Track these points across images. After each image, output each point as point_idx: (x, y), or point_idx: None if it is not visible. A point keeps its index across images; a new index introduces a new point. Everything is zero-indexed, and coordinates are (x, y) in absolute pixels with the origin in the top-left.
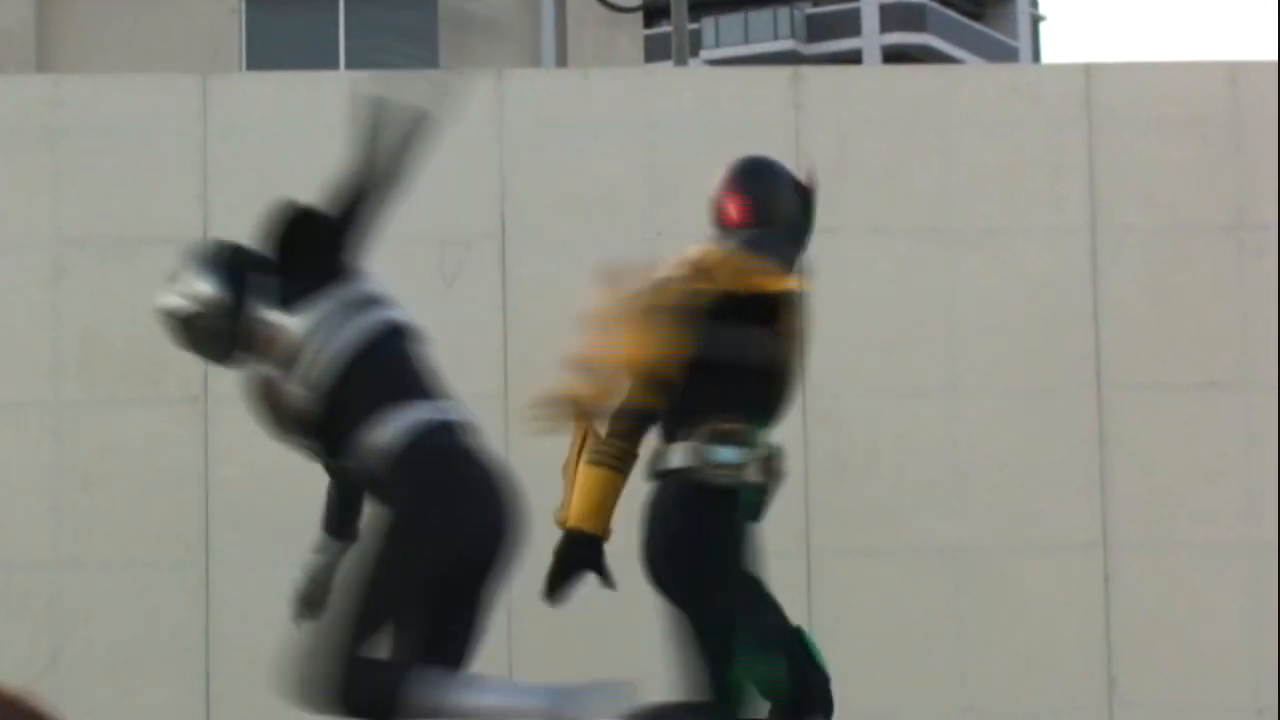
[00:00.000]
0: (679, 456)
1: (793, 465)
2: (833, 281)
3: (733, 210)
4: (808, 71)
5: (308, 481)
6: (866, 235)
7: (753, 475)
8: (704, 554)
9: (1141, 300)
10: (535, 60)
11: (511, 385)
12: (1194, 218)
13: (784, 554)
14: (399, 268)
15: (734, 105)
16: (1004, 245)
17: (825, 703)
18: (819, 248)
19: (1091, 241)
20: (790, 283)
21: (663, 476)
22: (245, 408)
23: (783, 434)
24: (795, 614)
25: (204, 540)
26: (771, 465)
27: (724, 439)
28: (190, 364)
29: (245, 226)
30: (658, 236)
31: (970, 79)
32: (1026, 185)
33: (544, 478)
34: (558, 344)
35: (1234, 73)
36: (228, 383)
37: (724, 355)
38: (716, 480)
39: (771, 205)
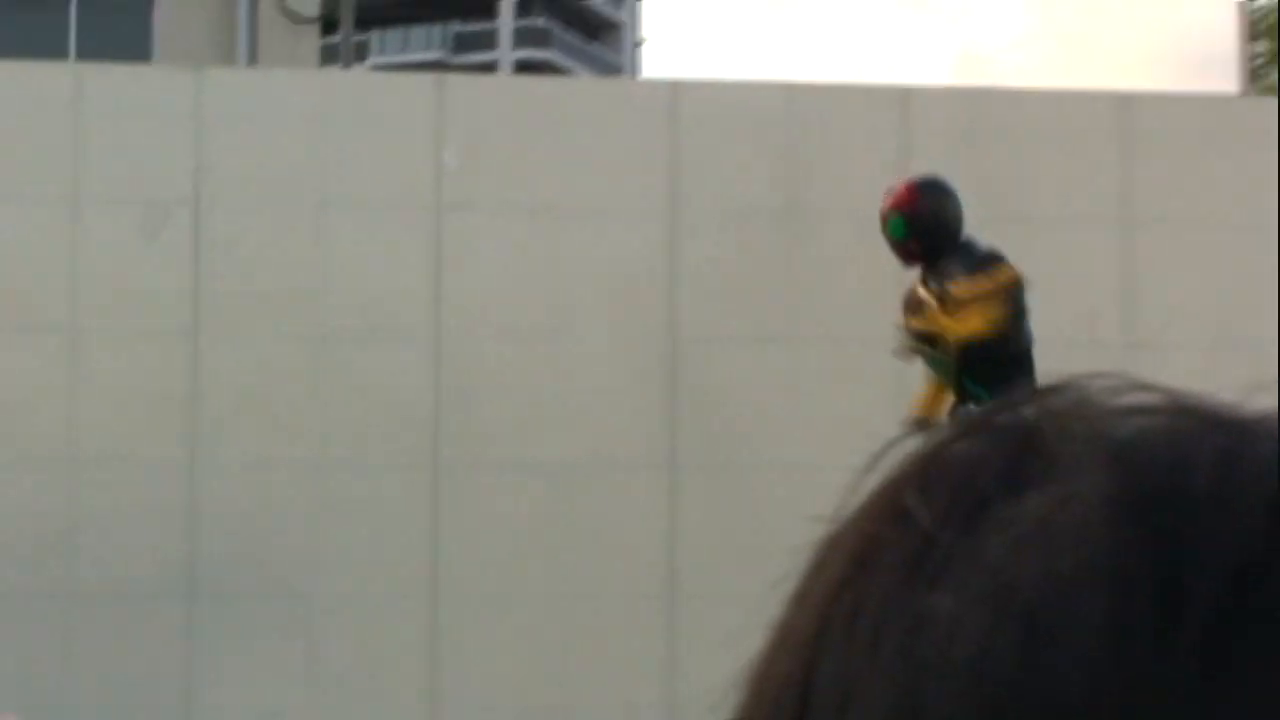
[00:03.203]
0: None
1: (424, 396)
2: (470, 250)
3: None
4: (450, 77)
5: None
6: (498, 212)
7: None
8: None
9: (713, 270)
10: (231, 59)
11: (201, 324)
12: (756, 205)
13: (414, 467)
14: (109, 226)
15: (389, 103)
16: (604, 223)
17: None
18: (458, 223)
19: (671, 223)
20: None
21: None
22: None
23: (416, 371)
24: (424, 518)
25: None
26: None
27: None
28: None
29: None
30: (323, 208)
31: (581, 89)
32: (621, 176)
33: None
34: (244, 293)
35: (790, 91)
36: None
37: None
38: None
39: None
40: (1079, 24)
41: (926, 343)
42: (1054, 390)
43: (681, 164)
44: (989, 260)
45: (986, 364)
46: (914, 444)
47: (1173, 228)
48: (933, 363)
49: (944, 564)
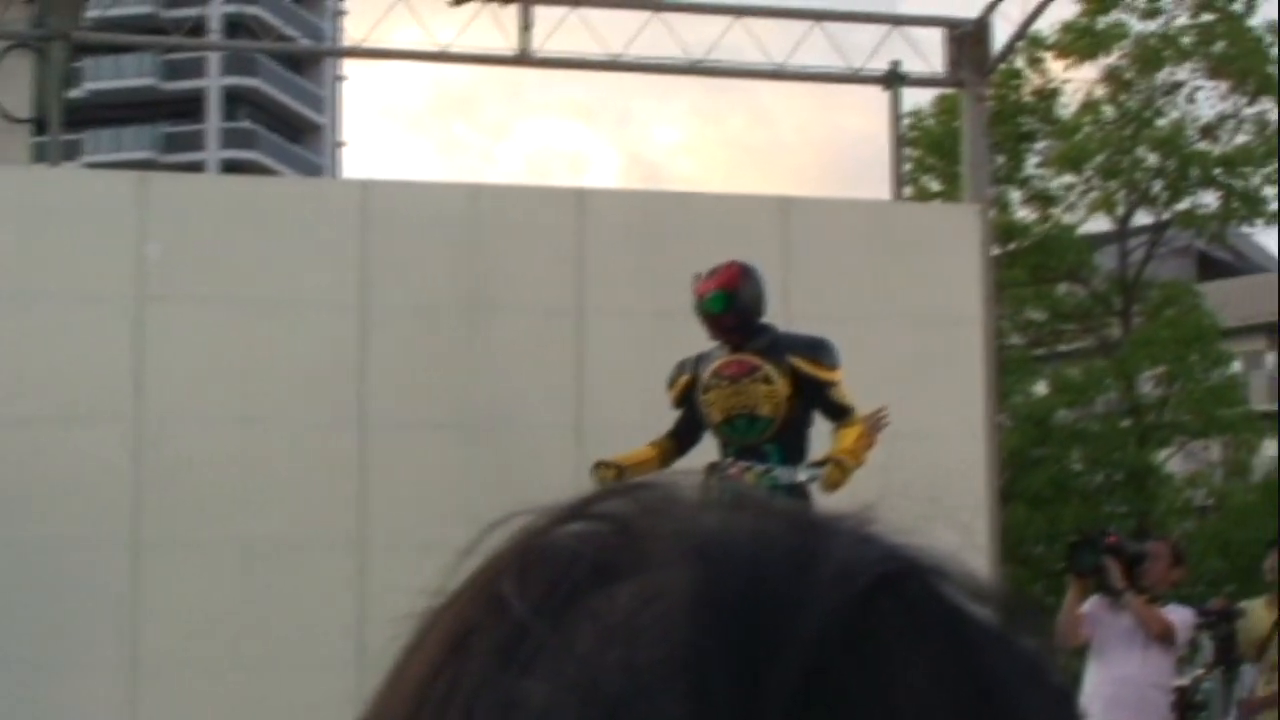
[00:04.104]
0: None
1: (126, 477)
2: (170, 339)
3: None
4: (152, 175)
5: None
6: (198, 303)
7: None
8: None
9: (400, 361)
10: None
11: None
12: (441, 299)
13: (116, 545)
14: None
15: (94, 198)
16: (298, 315)
17: None
18: (158, 313)
19: (361, 313)
20: None
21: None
22: None
23: (118, 453)
24: (126, 594)
25: None
26: None
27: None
28: None
29: None
30: (31, 297)
31: (277, 187)
32: (315, 270)
33: None
34: None
35: (473, 191)
36: None
37: None
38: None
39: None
40: (744, 133)
41: (745, 412)
42: (648, 484)
43: (371, 259)
44: (826, 350)
45: (797, 446)
46: (514, 529)
47: (825, 324)
48: (734, 429)
49: (536, 652)
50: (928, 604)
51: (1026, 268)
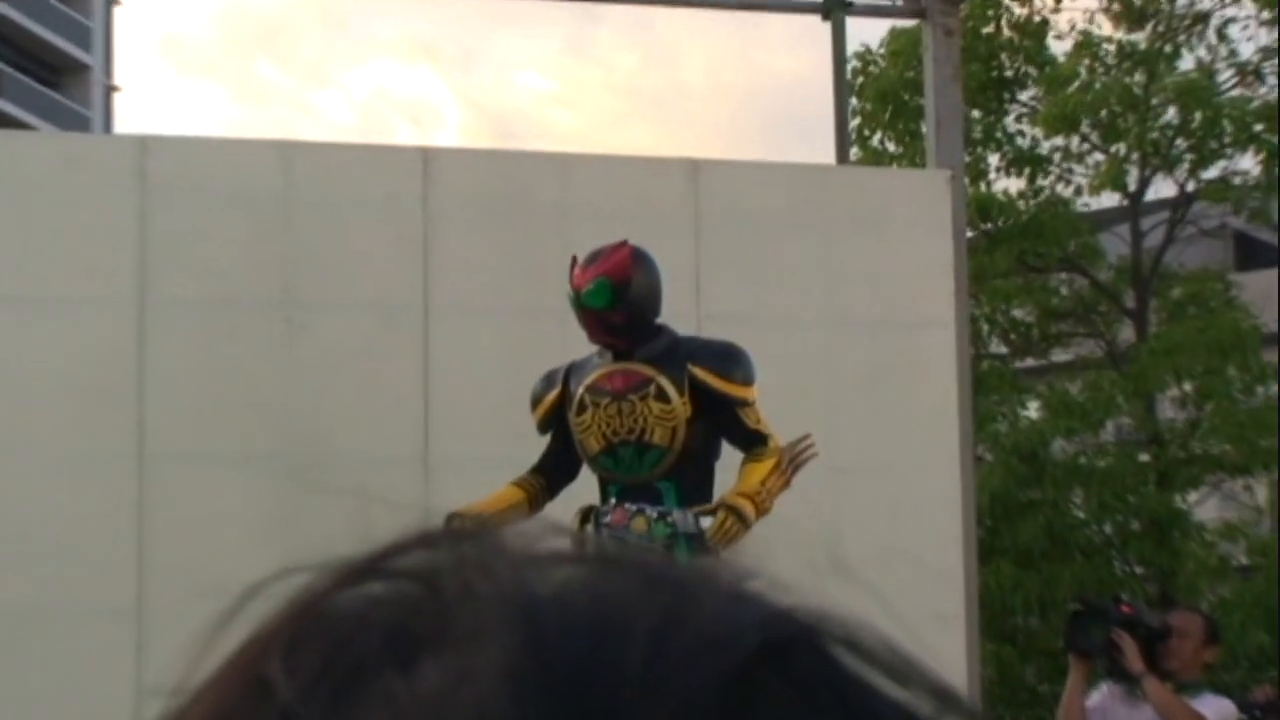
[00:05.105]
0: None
1: None
2: None
3: None
4: None
5: None
6: None
7: None
8: None
9: (189, 371)
10: None
11: None
12: (243, 291)
13: None
14: None
15: None
16: (52, 314)
17: None
18: None
19: (139, 312)
20: None
21: None
22: None
23: None
24: None
25: None
26: None
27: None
28: None
29: None
30: None
31: (30, 144)
32: (78, 255)
33: None
34: None
35: (286, 152)
36: None
37: None
38: None
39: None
40: (638, 77)
41: (631, 438)
42: (465, 532)
43: (153, 239)
44: (736, 360)
45: (699, 484)
46: (291, 591)
47: (747, 326)
48: (617, 461)
49: None
50: (822, 679)
51: (1011, 254)
